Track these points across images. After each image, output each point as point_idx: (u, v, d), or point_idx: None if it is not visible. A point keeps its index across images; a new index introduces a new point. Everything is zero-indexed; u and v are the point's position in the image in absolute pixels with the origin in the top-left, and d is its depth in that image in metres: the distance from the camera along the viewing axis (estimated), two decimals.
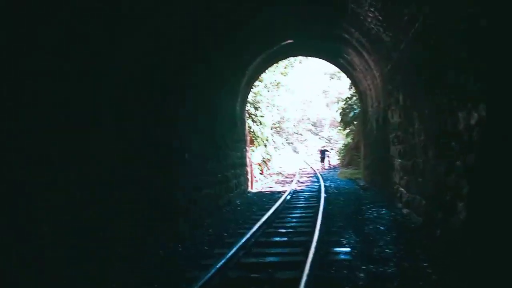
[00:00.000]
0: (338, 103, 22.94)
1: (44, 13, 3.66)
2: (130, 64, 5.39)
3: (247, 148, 14.12)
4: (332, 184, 14.48)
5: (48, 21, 3.72)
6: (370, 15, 7.38)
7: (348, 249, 5.57)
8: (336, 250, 5.54)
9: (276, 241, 6.38)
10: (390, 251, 5.41)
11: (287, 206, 9.91)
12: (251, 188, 13.84)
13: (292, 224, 7.61)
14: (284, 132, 51.35)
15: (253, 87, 15.88)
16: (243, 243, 5.81)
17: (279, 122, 46.65)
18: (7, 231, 3.17)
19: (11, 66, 3.29)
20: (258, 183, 16.21)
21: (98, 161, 4.51)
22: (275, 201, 10.19)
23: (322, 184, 13.95)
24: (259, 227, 6.98)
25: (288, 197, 11.30)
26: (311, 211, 8.85)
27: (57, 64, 3.87)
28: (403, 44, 6.89)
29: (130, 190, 5.24)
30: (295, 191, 12.90)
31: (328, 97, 47.36)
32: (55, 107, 3.81)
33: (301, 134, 55.76)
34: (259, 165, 18.30)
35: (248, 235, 6.20)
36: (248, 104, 17.32)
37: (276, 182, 16.51)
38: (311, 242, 5.55)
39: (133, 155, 5.40)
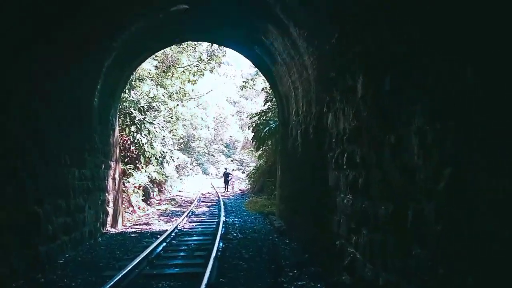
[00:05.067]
0: (251, 118, 19.27)
1: None
2: None
3: (115, 164, 9.45)
4: (236, 222, 10.38)
5: None
6: None
7: None
8: None
9: None
10: None
11: (148, 273, 5.50)
12: (114, 227, 9.09)
13: None
14: (194, 152, 46.79)
15: (133, 75, 11.42)
16: None
17: (188, 140, 41.94)
18: None
19: None
20: (135, 216, 11.47)
21: None
22: (134, 258, 5.76)
23: (222, 220, 9.85)
24: None
25: (161, 247, 6.89)
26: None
27: None
28: None
29: None
30: (178, 233, 8.53)
31: (243, 119, 44.30)
32: None
33: (212, 155, 51.61)
34: (142, 190, 13.51)
35: None
36: (127, 103, 12.70)
37: (160, 215, 11.86)
38: None
39: None
